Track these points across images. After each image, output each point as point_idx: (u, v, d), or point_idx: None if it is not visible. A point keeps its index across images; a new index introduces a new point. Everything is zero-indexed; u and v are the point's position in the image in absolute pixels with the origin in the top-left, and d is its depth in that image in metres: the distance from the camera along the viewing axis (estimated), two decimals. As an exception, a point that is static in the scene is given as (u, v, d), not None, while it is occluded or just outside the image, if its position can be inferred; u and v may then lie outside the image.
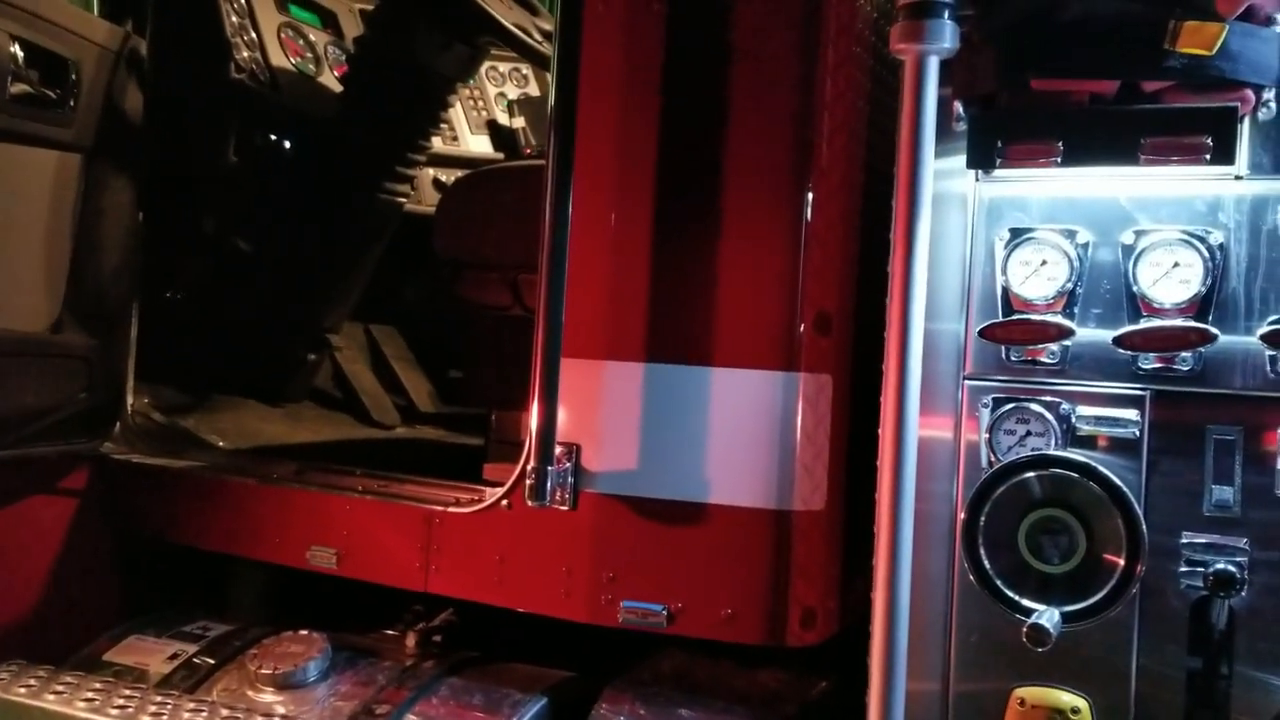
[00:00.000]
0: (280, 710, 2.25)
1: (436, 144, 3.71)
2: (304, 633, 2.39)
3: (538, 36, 3.25)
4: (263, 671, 2.29)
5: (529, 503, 2.05)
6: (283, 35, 3.42)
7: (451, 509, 2.27)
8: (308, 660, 2.31)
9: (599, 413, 2.08)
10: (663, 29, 2.04)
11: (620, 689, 2.16)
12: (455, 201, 3.12)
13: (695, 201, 2.03)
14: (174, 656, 2.47)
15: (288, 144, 3.33)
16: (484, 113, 4.21)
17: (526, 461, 2.07)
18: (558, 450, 2.05)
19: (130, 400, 2.85)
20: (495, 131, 4.07)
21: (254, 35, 3.28)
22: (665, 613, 2.03)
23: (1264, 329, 1.64)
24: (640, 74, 2.05)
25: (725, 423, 2.00)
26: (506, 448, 2.67)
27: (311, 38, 3.59)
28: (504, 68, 4.30)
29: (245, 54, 3.20)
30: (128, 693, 2.24)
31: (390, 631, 2.53)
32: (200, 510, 2.64)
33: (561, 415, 2.05)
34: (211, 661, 2.43)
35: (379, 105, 3.28)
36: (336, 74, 3.59)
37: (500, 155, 3.99)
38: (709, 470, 2.01)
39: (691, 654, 2.24)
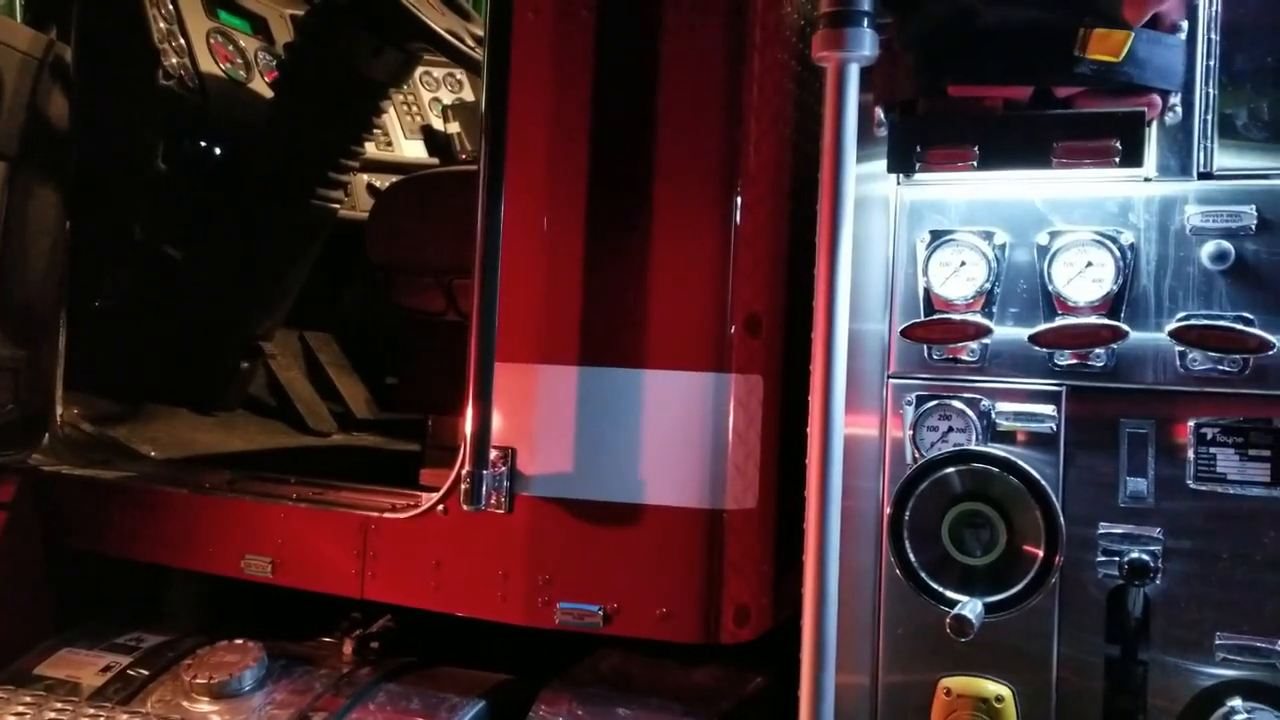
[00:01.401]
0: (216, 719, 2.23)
1: (370, 149, 3.68)
2: (239, 642, 2.37)
3: (470, 42, 3.24)
4: (198, 681, 2.27)
5: (465, 507, 2.06)
6: (212, 41, 3.39)
7: (387, 515, 2.27)
8: (243, 669, 2.29)
9: (534, 416, 2.09)
10: (592, 36, 2.06)
11: (558, 690, 2.17)
12: (389, 207, 3.11)
13: (626, 206, 2.05)
14: (107, 668, 2.44)
15: (218, 150, 3.30)
16: (418, 118, 4.19)
17: (462, 466, 2.07)
18: (493, 454, 2.06)
19: (59, 411, 2.80)
20: (430, 137, 4.06)
21: (182, 41, 3.24)
22: (601, 613, 2.05)
23: (1173, 325, 1.70)
24: (570, 80, 2.06)
25: (658, 424, 2.02)
26: (444, 453, 2.66)
27: (241, 44, 3.56)
28: (438, 73, 4.28)
29: (174, 60, 3.17)
30: (59, 706, 2.21)
31: (327, 639, 2.51)
32: (132, 521, 2.60)
33: (496, 419, 2.06)
34: (145, 673, 2.40)
35: (311, 111, 3.26)
36: (267, 80, 3.56)
37: (435, 160, 3.98)
38: (643, 471, 2.02)
39: (629, 653, 2.26)
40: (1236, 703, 1.64)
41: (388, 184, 3.68)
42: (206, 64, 3.32)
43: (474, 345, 2.04)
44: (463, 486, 2.06)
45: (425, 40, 3.15)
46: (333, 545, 2.32)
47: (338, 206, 3.52)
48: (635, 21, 2.05)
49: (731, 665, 2.23)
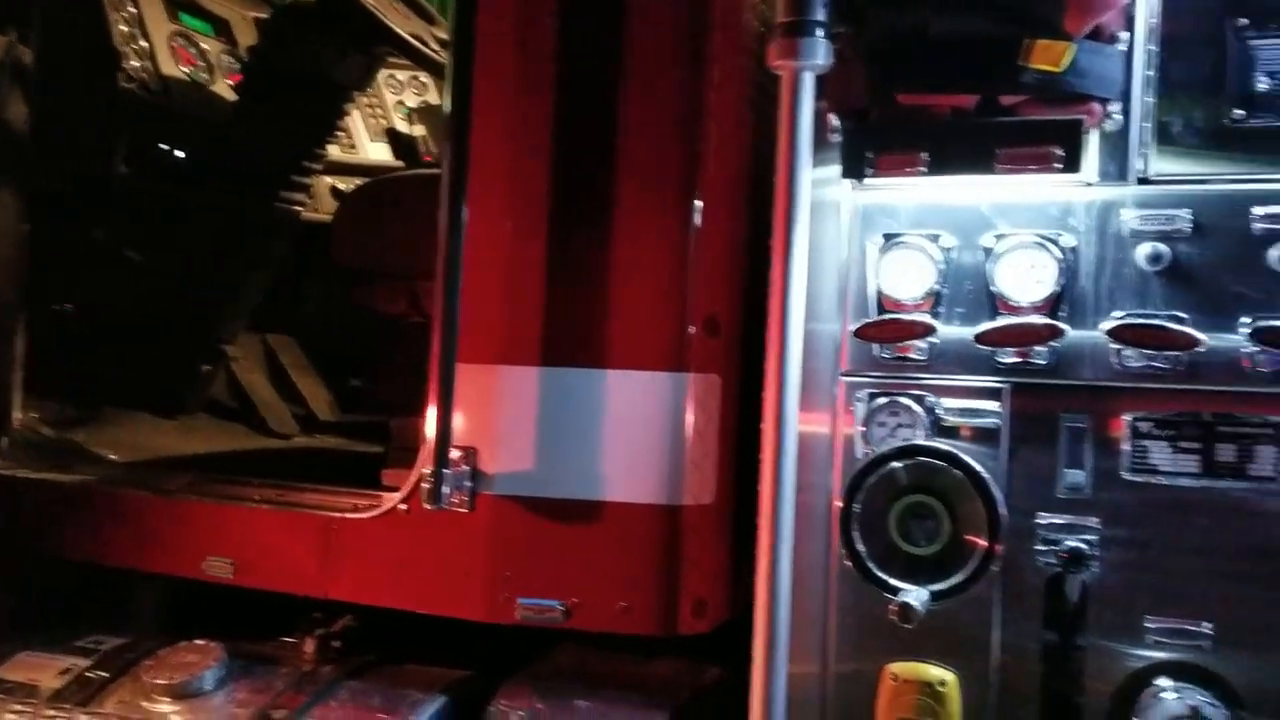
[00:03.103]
0: (176, 719, 2.24)
1: (334, 152, 3.69)
2: (199, 642, 2.37)
3: (434, 45, 3.27)
4: (158, 682, 2.27)
5: (426, 506, 2.08)
6: (174, 44, 3.38)
7: (349, 515, 2.28)
8: (204, 669, 2.29)
9: (495, 416, 2.12)
10: (555, 41, 2.09)
11: (517, 684, 2.19)
12: (353, 210, 3.13)
13: (588, 210, 2.08)
14: (66, 671, 2.42)
15: (180, 153, 3.30)
16: (383, 120, 4.20)
17: (424, 466, 2.10)
18: (455, 454, 2.09)
19: (17, 415, 2.79)
20: (395, 139, 4.08)
21: (144, 44, 3.23)
22: (562, 608, 2.07)
23: (1110, 324, 1.77)
24: (532, 85, 2.10)
25: (618, 423, 2.06)
26: (407, 454, 2.66)
27: (204, 46, 3.54)
28: (403, 76, 4.29)
29: (135, 63, 3.16)
30: (18, 708, 2.21)
31: (288, 639, 2.52)
32: (93, 525, 2.59)
33: (459, 420, 2.09)
34: (105, 675, 2.39)
35: (274, 114, 3.27)
36: (230, 82, 3.56)
37: (400, 163, 4.00)
38: (603, 469, 2.06)
39: (587, 648, 2.29)
40: (1163, 681, 1.71)
41: (352, 186, 3.69)
42: (168, 67, 3.31)
43: (436, 346, 2.07)
44: (424, 486, 2.08)
45: (389, 44, 3.17)
46: (295, 546, 2.33)
47: (301, 209, 3.52)
48: (596, 28, 2.09)
49: (689, 659, 2.27)
